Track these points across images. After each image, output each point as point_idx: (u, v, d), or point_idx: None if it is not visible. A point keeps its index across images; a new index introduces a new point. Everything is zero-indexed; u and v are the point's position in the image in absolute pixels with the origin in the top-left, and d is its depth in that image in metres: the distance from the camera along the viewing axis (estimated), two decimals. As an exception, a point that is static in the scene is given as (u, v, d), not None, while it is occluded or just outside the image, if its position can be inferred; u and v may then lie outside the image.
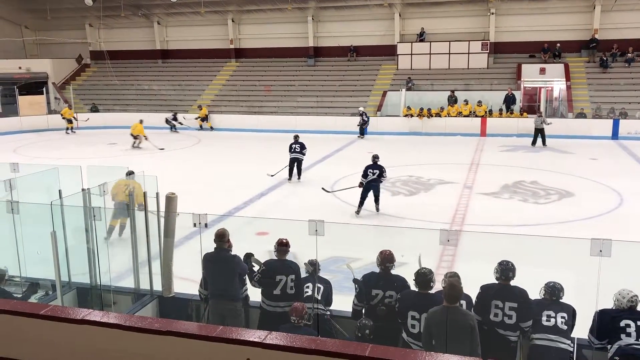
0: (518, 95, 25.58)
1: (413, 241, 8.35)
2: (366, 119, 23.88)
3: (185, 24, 32.80)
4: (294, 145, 15.07)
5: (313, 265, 5.64)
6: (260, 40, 31.93)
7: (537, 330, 4.94)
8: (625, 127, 22.44)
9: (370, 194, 11.77)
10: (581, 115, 23.98)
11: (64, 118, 26.07)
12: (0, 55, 30.37)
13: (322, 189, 13.20)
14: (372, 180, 11.68)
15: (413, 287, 5.08)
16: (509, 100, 25.04)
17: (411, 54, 28.88)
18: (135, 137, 21.06)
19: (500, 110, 24.95)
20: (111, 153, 20.47)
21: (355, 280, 5.48)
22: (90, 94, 30.80)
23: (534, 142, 20.78)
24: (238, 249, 6.00)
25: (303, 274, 5.77)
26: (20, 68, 30.52)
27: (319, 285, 5.62)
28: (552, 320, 4.90)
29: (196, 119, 26.63)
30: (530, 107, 25.39)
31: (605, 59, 26.36)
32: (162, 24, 33.42)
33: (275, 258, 5.74)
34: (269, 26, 31.60)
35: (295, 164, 15.06)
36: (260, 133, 24.80)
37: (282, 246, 5.71)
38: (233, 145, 22.38)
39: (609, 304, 4.88)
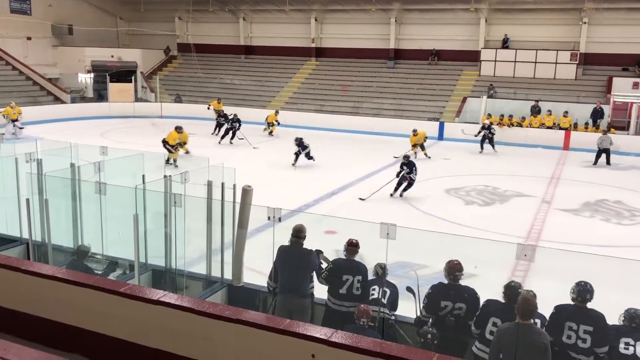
0: (607, 109, 24.30)
1: (486, 253, 8.14)
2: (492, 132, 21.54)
3: (270, 21, 33.46)
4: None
5: (382, 268, 5.62)
6: (341, 40, 32.06)
7: (613, 358, 4.69)
8: None
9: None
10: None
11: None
12: (95, 43, 32.16)
13: (360, 198, 13.42)
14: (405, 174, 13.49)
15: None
16: (597, 115, 23.84)
17: (495, 61, 28.09)
18: (173, 147, 16.82)
19: (586, 124, 23.78)
20: (191, 143, 21.19)
21: (408, 289, 5.42)
22: (175, 84, 32.04)
23: (595, 162, 19.34)
24: (307, 246, 6.07)
25: (370, 276, 5.76)
26: (112, 57, 32.21)
27: (386, 289, 5.59)
28: (631, 348, 4.64)
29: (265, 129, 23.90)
30: (620, 123, 24.06)
31: None
32: (247, 20, 34.25)
33: (344, 258, 5.76)
34: (351, 26, 31.68)
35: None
36: (336, 133, 24.87)
37: (352, 246, 5.72)
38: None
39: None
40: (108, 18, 35.13)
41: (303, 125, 22.89)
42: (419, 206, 12.99)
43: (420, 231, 6.73)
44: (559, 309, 4.88)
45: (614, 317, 4.94)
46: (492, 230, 10.99)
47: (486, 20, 28.77)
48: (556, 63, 27.00)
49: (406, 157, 14.08)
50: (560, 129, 23.59)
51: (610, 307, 4.97)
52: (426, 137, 19.95)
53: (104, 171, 6.92)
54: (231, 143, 21.13)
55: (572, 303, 4.88)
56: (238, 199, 6.01)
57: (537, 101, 24.95)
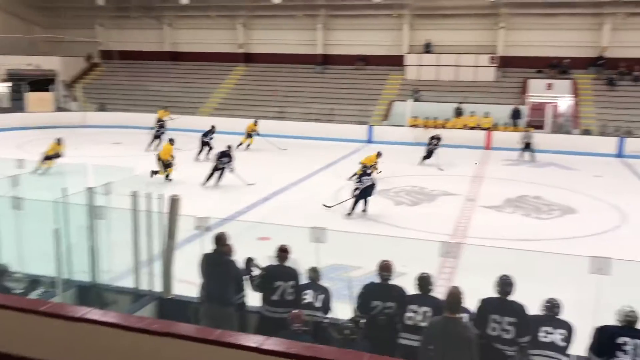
0: (524, 109, 25.59)
1: (414, 252, 8.37)
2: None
3: (196, 27, 32.96)
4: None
5: (315, 272, 5.66)
6: (269, 45, 32.06)
7: (534, 346, 4.93)
8: (630, 145, 22.39)
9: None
10: (587, 132, 23.97)
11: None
12: (10, 51, 30.52)
13: (324, 205, 13.08)
14: (368, 186, 12.32)
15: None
16: (515, 115, 25.07)
17: (419, 65, 28.95)
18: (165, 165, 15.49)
19: (506, 124, 24.96)
20: (117, 152, 20.55)
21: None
22: (99, 92, 30.94)
23: (522, 154, 21.26)
24: (240, 254, 6.03)
25: (303, 281, 5.79)
26: (29, 65, 30.69)
27: (319, 292, 5.64)
28: (550, 336, 4.90)
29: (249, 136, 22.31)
30: (536, 122, 25.39)
31: (612, 77, 26.36)
32: (173, 27, 33.60)
33: (275, 264, 5.76)
34: (279, 32, 31.73)
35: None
36: (266, 138, 24.78)
37: (282, 252, 5.73)
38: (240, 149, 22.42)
39: (609, 322, 4.88)
40: (22, 24, 33.46)
41: (234, 132, 22.65)
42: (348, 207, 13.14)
43: (350, 234, 6.82)
44: (484, 302, 5.09)
45: (535, 308, 5.20)
46: (421, 229, 11.30)
47: (409, 26, 29.61)
48: (476, 66, 28.16)
49: (364, 166, 13.62)
50: (482, 129, 24.61)
51: (531, 298, 5.23)
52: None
53: (21, 185, 6.58)
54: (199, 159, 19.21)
55: (496, 296, 5.11)
56: (166, 209, 5.89)
57: (459, 103, 25.92)
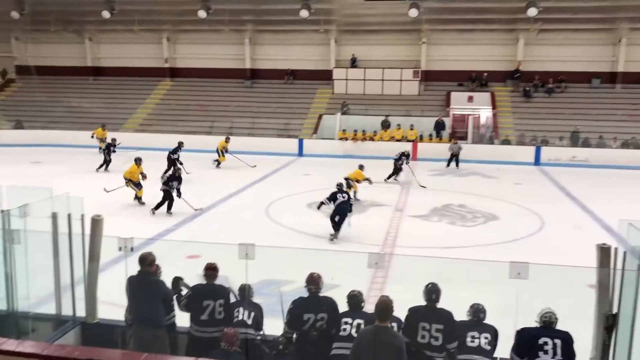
0: (448, 121, 26.57)
1: (347, 263, 8.45)
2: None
3: (119, 42, 32.08)
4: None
5: (245, 289, 5.61)
6: (196, 60, 31.70)
7: (462, 351, 5.09)
8: (546, 153, 23.70)
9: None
10: (506, 141, 25.17)
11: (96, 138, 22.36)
12: None
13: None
14: (342, 202, 11.75)
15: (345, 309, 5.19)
16: (439, 126, 25.98)
17: (346, 79, 29.49)
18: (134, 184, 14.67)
19: (431, 135, 25.81)
20: (35, 172, 19.57)
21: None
22: (15, 109, 29.42)
23: (448, 164, 22.32)
24: (169, 273, 5.87)
25: (234, 298, 5.71)
26: (-64, 81, 28.84)
27: (250, 309, 5.58)
28: (477, 341, 5.07)
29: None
30: (459, 133, 26.42)
31: (528, 89, 27.88)
32: (94, 41, 32.59)
33: (204, 282, 5.66)
34: (206, 47, 31.45)
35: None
36: (194, 153, 24.35)
37: (210, 270, 5.63)
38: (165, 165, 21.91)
39: (530, 324, 5.11)
40: None
41: (159, 148, 22.13)
42: (281, 221, 13.14)
43: (280, 248, 6.80)
44: (412, 311, 5.22)
45: (462, 313, 5.37)
46: (351, 241, 11.45)
47: (336, 41, 30.13)
48: (401, 80, 29.00)
49: (340, 184, 12.50)
50: (408, 141, 25.31)
51: (458, 304, 5.40)
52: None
53: None
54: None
55: (424, 304, 5.24)
56: (88, 231, 5.65)
57: (386, 116, 26.57)
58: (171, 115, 28.62)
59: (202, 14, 27.43)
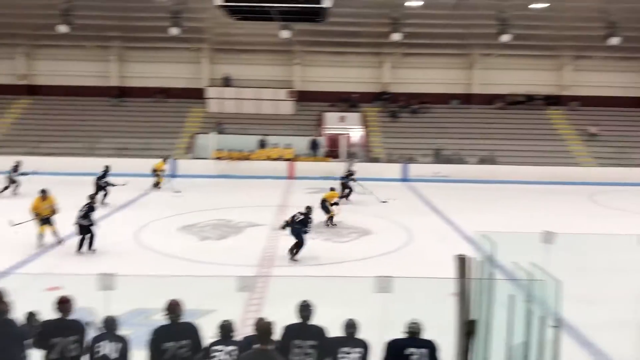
0: (322, 140, 27.26)
1: (222, 287, 8.24)
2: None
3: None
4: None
5: (107, 322, 5.24)
6: (57, 77, 29.70)
7: (335, 367, 5.12)
8: (413, 170, 25.07)
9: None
10: (376, 159, 26.30)
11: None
12: None
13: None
14: (297, 224, 11.76)
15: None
16: (314, 146, 26.56)
17: (220, 98, 29.24)
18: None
19: (306, 154, 26.31)
20: None
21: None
22: None
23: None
24: (25, 308, 5.35)
25: (98, 331, 5.31)
26: None
27: (115, 342, 5.22)
28: (348, 356, 5.13)
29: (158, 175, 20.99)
30: (333, 152, 27.19)
31: (394, 109, 29.44)
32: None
33: (55, 317, 5.20)
34: (68, 63, 29.65)
35: None
36: (59, 177, 22.66)
37: (62, 304, 5.20)
38: (23, 190, 20.14)
39: (398, 335, 5.29)
40: None
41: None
42: (152, 246, 12.58)
43: (150, 276, 6.47)
44: (286, 329, 5.20)
45: (337, 329, 5.43)
46: (227, 263, 11.22)
47: (209, 60, 29.83)
48: (276, 100, 29.33)
49: (308, 207, 12.41)
50: (285, 160, 25.56)
51: (333, 319, 5.46)
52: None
53: None
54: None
55: (297, 321, 5.24)
56: None
57: (262, 135, 26.66)
58: (29, 136, 26.43)
59: (62, 28, 25.82)
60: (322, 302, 5.56)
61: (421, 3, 23.46)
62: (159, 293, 8.15)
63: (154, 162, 21.49)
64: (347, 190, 19.38)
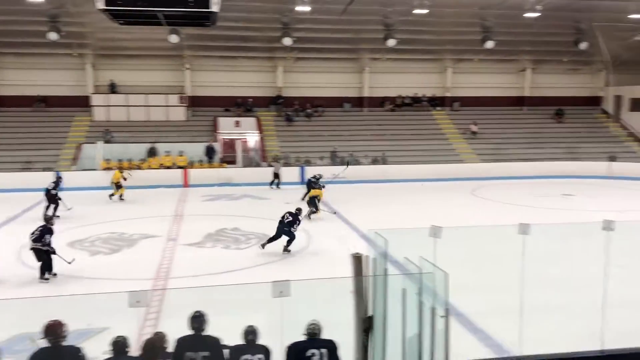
0: (217, 146, 26.85)
1: (115, 304, 7.85)
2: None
3: None
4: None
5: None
6: None
7: (237, 376, 5.07)
8: (309, 172, 25.31)
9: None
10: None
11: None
12: None
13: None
14: (286, 225, 12.98)
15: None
16: (209, 152, 26.10)
17: (107, 106, 27.92)
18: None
19: (201, 161, 25.78)
20: None
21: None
22: None
23: (271, 183, 23.68)
24: None
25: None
26: None
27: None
28: (248, 363, 5.10)
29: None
30: (229, 158, 26.89)
31: (289, 114, 29.66)
32: None
33: None
34: None
35: None
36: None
37: None
38: None
39: (299, 338, 5.32)
40: None
41: None
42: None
43: (30, 299, 6.04)
44: (179, 342, 5.08)
45: (236, 337, 5.36)
46: (121, 278, 10.74)
47: (93, 66, 28.38)
48: (167, 106, 28.48)
49: (298, 209, 13.78)
50: (179, 167, 24.89)
51: (232, 328, 5.38)
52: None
53: None
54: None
55: (190, 333, 5.13)
56: None
57: (153, 143, 25.78)
58: None
59: None
60: (221, 311, 5.47)
61: (309, 9, 23.81)
62: (46, 315, 7.66)
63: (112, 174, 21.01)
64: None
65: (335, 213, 18.05)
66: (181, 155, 25.50)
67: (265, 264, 12.13)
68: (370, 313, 5.47)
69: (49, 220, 11.58)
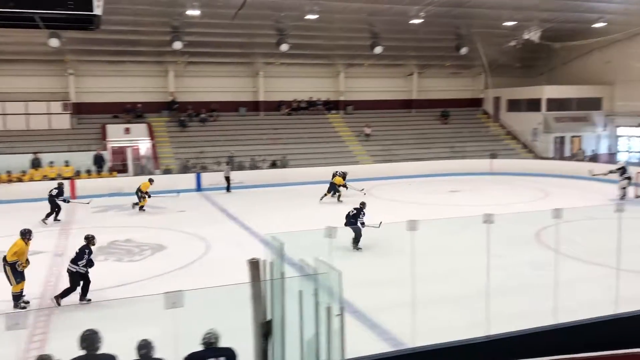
0: (107, 155, 25.64)
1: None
2: None
3: None
4: None
5: None
6: None
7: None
8: (206, 179, 24.90)
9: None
10: (167, 171, 25.57)
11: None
12: None
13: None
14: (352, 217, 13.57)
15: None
16: (99, 160, 24.87)
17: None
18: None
19: (89, 171, 24.49)
20: None
21: None
22: None
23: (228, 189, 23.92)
24: None
25: None
26: None
27: None
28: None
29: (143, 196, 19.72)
30: (120, 166, 25.79)
31: (183, 119, 28.97)
32: None
33: None
34: None
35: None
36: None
37: None
38: None
39: (197, 348, 5.22)
40: None
41: None
42: None
43: None
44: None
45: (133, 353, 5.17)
46: (2, 299, 9.93)
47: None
48: (49, 114, 26.80)
49: (362, 203, 14.10)
50: (65, 178, 23.44)
51: (127, 344, 5.17)
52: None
53: None
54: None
55: (82, 353, 4.88)
56: None
57: (35, 153, 24.13)
58: None
59: None
60: (114, 328, 5.24)
61: (199, 13, 23.36)
62: None
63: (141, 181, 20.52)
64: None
65: (363, 190, 21.08)
66: (67, 166, 24.07)
67: (161, 274, 11.75)
68: (268, 317, 5.47)
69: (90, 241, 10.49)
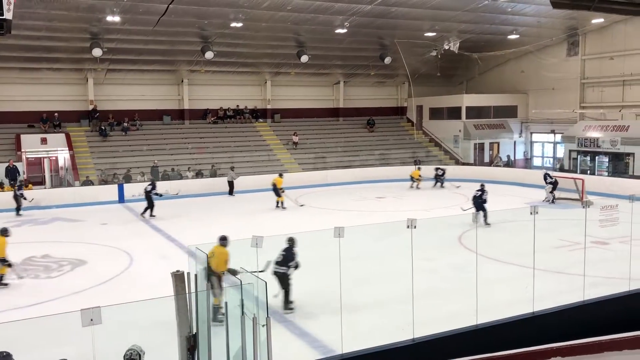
0: (21, 166, 24.28)
1: None
2: None
3: None
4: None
5: None
6: None
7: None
8: (129, 190, 24.00)
9: None
10: (88, 182, 24.51)
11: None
12: None
13: None
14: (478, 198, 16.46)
15: None
16: (12, 173, 23.49)
17: None
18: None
19: (2, 183, 23.08)
20: None
21: None
22: None
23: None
24: None
25: None
26: None
27: None
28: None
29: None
30: (36, 178, 24.51)
31: (104, 128, 27.93)
32: None
33: None
34: None
35: None
36: None
37: None
38: None
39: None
40: None
41: None
42: None
43: None
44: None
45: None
46: None
47: None
48: (-45, 123, 25.13)
49: (482, 184, 16.94)
50: (-26, 192, 22.01)
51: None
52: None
53: None
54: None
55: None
56: None
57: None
58: None
59: None
60: (27, 349, 4.93)
61: (119, 19, 22.60)
62: None
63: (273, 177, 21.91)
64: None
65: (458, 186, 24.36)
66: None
67: (81, 291, 11.22)
68: (194, 330, 5.34)
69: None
